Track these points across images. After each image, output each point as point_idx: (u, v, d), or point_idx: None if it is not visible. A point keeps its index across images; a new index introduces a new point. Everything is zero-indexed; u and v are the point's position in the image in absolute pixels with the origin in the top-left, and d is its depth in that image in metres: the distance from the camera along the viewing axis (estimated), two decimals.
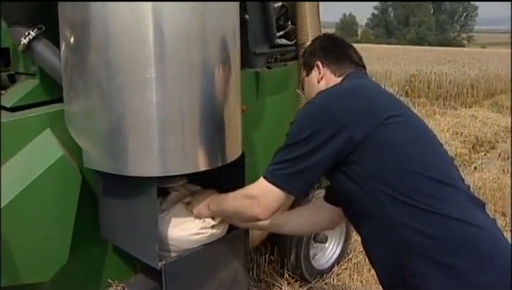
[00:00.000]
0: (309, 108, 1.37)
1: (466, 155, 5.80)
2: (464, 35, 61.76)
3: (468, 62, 14.51)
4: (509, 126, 7.18)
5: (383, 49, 23.57)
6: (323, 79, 1.53)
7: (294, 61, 2.53)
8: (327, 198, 1.65)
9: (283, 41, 2.47)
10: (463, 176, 1.38)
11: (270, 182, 1.35)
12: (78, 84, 1.51)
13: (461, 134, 6.49)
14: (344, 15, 69.48)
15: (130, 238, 1.66)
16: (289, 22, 2.50)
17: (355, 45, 1.64)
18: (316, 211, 1.73)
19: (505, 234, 1.33)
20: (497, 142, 6.62)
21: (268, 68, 2.38)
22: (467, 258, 1.20)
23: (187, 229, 1.64)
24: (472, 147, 6.17)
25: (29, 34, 1.61)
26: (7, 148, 1.49)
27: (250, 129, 2.16)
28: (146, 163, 1.46)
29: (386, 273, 1.36)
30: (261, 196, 1.38)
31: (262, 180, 1.37)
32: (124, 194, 1.59)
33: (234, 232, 1.78)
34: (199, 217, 1.66)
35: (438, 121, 7.37)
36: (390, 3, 61.85)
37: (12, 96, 1.72)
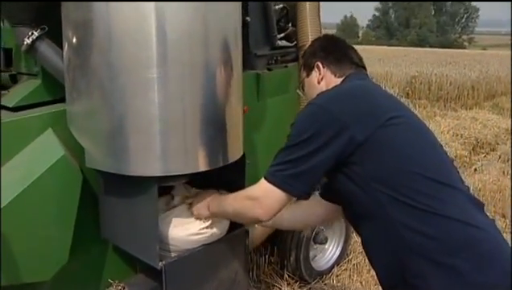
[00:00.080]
0: (310, 109, 1.36)
1: (466, 156, 5.79)
2: (465, 37, 61.59)
3: (469, 64, 14.50)
4: (510, 128, 7.18)
5: (384, 50, 23.57)
6: (323, 80, 1.52)
7: (294, 63, 2.54)
8: (322, 195, 1.64)
9: (284, 43, 2.47)
10: (463, 177, 1.38)
11: (271, 183, 1.34)
12: (81, 84, 1.51)
13: (461, 136, 6.48)
14: (345, 17, 69.49)
15: (131, 238, 1.66)
16: (290, 24, 2.51)
17: (356, 46, 1.64)
18: (311, 207, 1.70)
19: (505, 235, 1.34)
20: (498, 144, 6.61)
21: (269, 69, 2.38)
22: (467, 258, 1.20)
23: (187, 230, 1.64)
24: (473, 149, 6.17)
25: (32, 34, 1.62)
26: (8, 148, 1.49)
27: (251, 130, 2.16)
28: (147, 162, 1.47)
29: (386, 273, 1.36)
30: (263, 198, 1.37)
31: (263, 182, 1.36)
32: (125, 194, 1.60)
33: (234, 232, 1.78)
34: (199, 217, 1.66)
35: (438, 122, 7.37)
36: (390, 5, 61.83)
37: (14, 96, 1.72)
